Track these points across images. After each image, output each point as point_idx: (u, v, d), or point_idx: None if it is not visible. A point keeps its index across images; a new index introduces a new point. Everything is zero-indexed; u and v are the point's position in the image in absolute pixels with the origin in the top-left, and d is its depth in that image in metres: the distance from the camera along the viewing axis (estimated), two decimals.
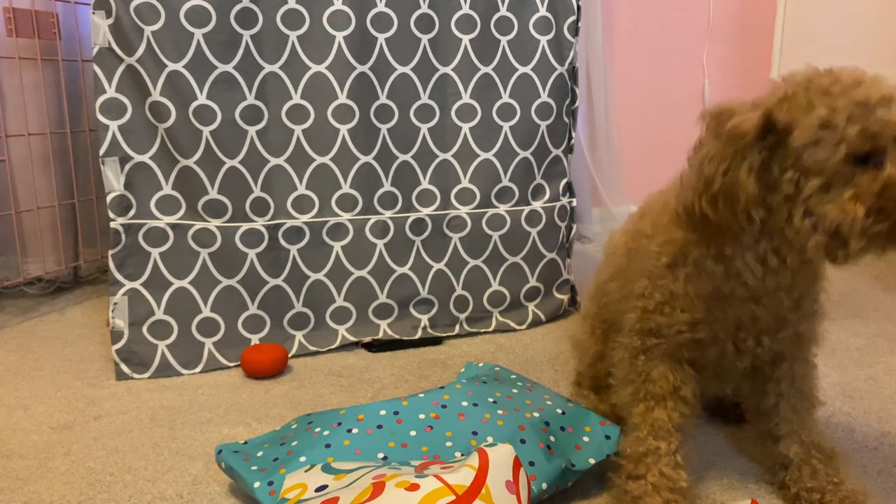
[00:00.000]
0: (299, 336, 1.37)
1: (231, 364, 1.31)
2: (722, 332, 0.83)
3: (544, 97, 1.46)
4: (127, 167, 1.25)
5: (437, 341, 1.42)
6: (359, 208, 1.38)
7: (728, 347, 0.83)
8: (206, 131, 1.25)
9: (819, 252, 0.71)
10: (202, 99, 1.24)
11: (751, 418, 0.95)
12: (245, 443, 0.90)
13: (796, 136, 0.68)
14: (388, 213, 1.40)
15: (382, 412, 0.89)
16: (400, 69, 1.37)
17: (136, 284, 1.27)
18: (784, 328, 0.83)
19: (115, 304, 1.26)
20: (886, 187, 0.66)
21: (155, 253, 1.27)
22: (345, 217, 1.37)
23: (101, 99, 1.22)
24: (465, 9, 1.39)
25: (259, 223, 1.31)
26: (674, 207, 0.77)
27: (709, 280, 0.80)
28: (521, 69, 1.44)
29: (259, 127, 1.30)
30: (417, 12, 1.36)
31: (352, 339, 1.39)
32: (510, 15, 1.42)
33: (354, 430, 0.87)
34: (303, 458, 0.83)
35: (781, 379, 0.89)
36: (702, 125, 0.75)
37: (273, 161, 1.31)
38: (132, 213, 1.26)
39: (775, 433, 0.90)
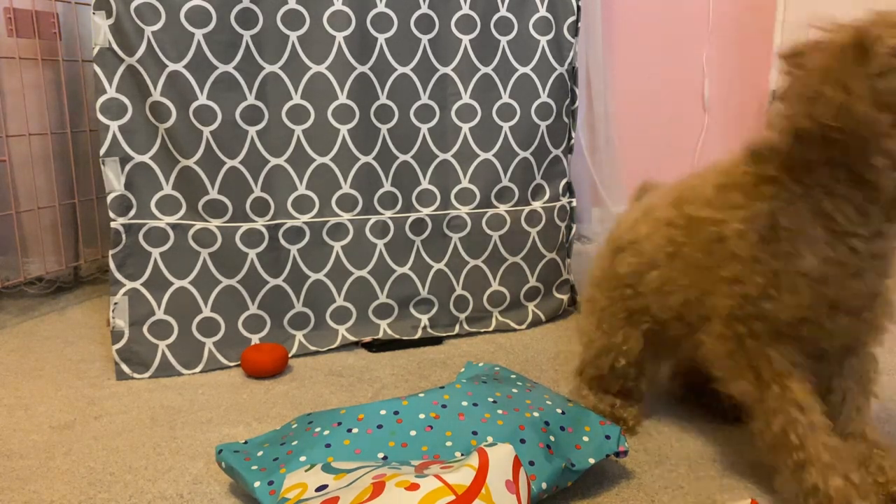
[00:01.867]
0: (299, 336, 1.37)
1: (231, 364, 1.31)
2: (818, 312, 0.79)
3: (544, 97, 1.46)
4: (127, 167, 1.25)
5: (437, 341, 1.42)
6: (359, 208, 1.38)
7: (823, 327, 0.80)
8: (206, 131, 1.25)
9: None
10: (202, 99, 1.25)
11: None
12: (245, 442, 0.90)
13: (871, 65, 0.65)
14: (388, 213, 1.40)
15: (382, 412, 0.90)
16: (400, 69, 1.37)
17: (137, 284, 1.27)
18: (871, 306, 0.80)
19: (116, 303, 1.26)
20: None
21: (155, 253, 1.27)
22: (345, 217, 1.37)
23: (101, 99, 1.23)
24: (465, 9, 1.39)
25: (259, 223, 1.31)
26: (760, 144, 0.72)
27: (810, 251, 0.76)
28: (521, 69, 1.44)
29: (259, 127, 1.30)
30: (417, 12, 1.37)
31: (352, 338, 1.39)
32: (510, 15, 1.42)
33: (354, 430, 0.87)
34: (303, 458, 0.83)
35: (849, 375, 0.87)
36: (785, 64, 0.73)
37: (273, 161, 1.32)
38: (132, 213, 1.26)
39: (839, 432, 0.86)
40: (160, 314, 1.28)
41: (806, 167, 0.72)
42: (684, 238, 0.91)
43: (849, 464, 0.80)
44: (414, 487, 0.67)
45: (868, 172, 0.70)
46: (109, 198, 1.25)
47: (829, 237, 0.76)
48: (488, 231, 1.46)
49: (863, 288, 0.78)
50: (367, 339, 1.40)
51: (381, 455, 0.84)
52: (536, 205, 1.49)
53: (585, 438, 0.89)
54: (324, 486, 0.74)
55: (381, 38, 1.35)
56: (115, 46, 1.21)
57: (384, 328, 1.42)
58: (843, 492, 0.77)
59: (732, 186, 0.85)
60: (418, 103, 1.39)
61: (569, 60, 1.47)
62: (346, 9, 1.31)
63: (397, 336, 1.41)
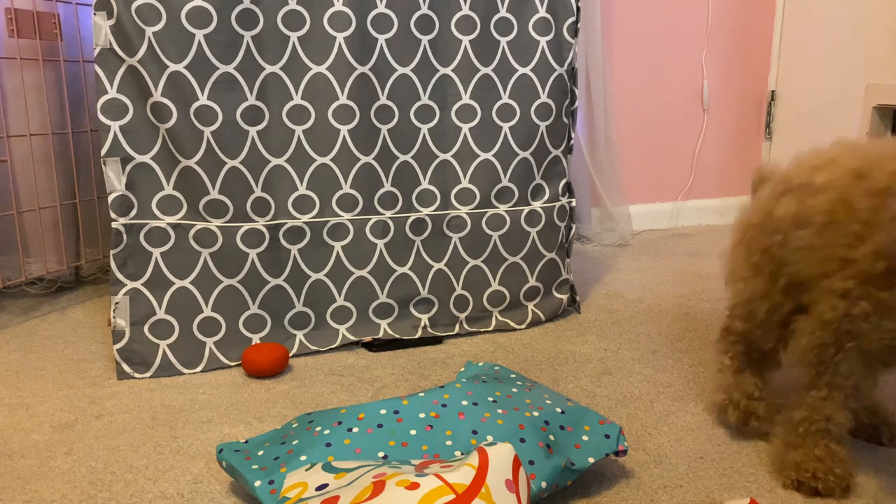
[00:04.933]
0: (300, 335, 1.37)
1: (232, 363, 1.31)
2: None
3: (544, 98, 1.46)
4: (128, 167, 1.25)
5: (437, 341, 1.42)
6: (359, 208, 1.38)
7: None
8: (207, 132, 1.26)
9: None
10: (203, 99, 1.25)
11: None
12: (246, 442, 0.91)
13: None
14: (389, 214, 1.40)
15: (383, 411, 0.90)
16: (400, 70, 1.37)
17: (138, 284, 1.27)
18: None
19: (117, 303, 1.26)
20: None
21: (156, 253, 1.27)
22: (345, 217, 1.37)
23: (102, 99, 1.23)
24: (465, 10, 1.40)
25: (260, 223, 1.32)
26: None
27: None
28: (521, 70, 1.45)
29: (260, 127, 1.30)
30: (417, 13, 1.37)
31: (352, 338, 1.39)
32: (510, 16, 1.43)
33: (355, 430, 0.87)
34: (303, 457, 0.83)
35: None
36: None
37: (274, 161, 1.32)
38: (133, 213, 1.27)
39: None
40: (161, 314, 1.28)
41: None
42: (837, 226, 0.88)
43: (840, 463, 0.87)
44: (414, 486, 0.68)
45: None
46: (110, 198, 1.25)
47: None
48: (488, 231, 1.46)
49: None
50: (368, 338, 1.40)
51: (381, 454, 0.84)
52: (536, 205, 1.50)
53: (585, 437, 0.90)
54: (324, 486, 0.75)
55: (382, 39, 1.35)
56: (115, 47, 1.22)
57: (384, 328, 1.42)
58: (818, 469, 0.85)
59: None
60: (418, 104, 1.40)
61: (568, 61, 1.48)
62: (347, 9, 1.31)
63: (397, 336, 1.42)
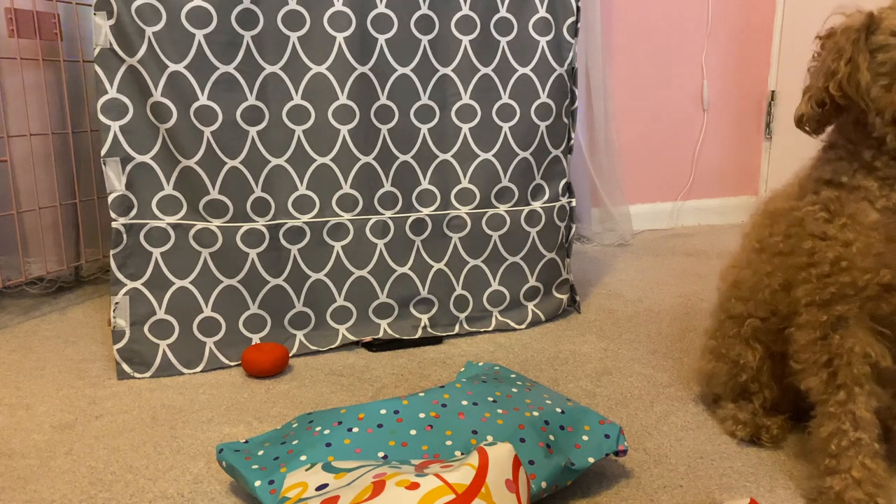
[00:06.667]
0: (300, 335, 1.37)
1: (232, 363, 1.31)
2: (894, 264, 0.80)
3: (544, 98, 1.46)
4: (128, 167, 1.25)
5: (437, 341, 1.42)
6: (359, 208, 1.38)
7: None
8: (207, 132, 1.26)
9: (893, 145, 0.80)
10: (203, 99, 1.25)
11: None
12: (246, 442, 0.91)
13: (872, 41, 0.79)
14: (389, 213, 1.40)
15: (383, 411, 0.90)
16: (400, 70, 1.37)
17: (138, 284, 1.27)
18: None
19: (117, 303, 1.26)
20: None
21: (156, 253, 1.27)
22: (345, 217, 1.37)
23: (102, 99, 1.23)
24: (465, 10, 1.40)
25: (260, 223, 1.32)
26: (797, 113, 0.85)
27: (868, 204, 0.82)
28: (521, 70, 1.45)
29: (260, 127, 1.30)
30: (417, 13, 1.37)
31: (352, 338, 1.39)
32: (510, 16, 1.43)
33: (355, 430, 0.87)
34: (303, 457, 0.83)
35: None
36: (817, 42, 0.86)
37: (274, 161, 1.32)
38: (133, 213, 1.27)
39: None
40: (161, 314, 1.28)
41: (838, 127, 0.85)
42: (769, 230, 0.95)
43: (880, 489, 0.81)
44: (414, 486, 0.68)
45: (873, 129, 0.81)
46: (110, 198, 1.25)
47: (879, 185, 0.83)
48: (488, 231, 1.46)
49: None
50: (368, 338, 1.40)
51: (381, 454, 0.84)
52: (536, 205, 1.50)
53: (585, 437, 0.90)
54: (324, 486, 0.75)
55: (382, 39, 1.35)
56: (115, 47, 1.22)
57: (384, 328, 1.42)
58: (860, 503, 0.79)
59: (807, 180, 0.91)
60: (418, 104, 1.40)
61: (568, 61, 1.48)
62: (347, 9, 1.31)
63: (397, 336, 1.42)
